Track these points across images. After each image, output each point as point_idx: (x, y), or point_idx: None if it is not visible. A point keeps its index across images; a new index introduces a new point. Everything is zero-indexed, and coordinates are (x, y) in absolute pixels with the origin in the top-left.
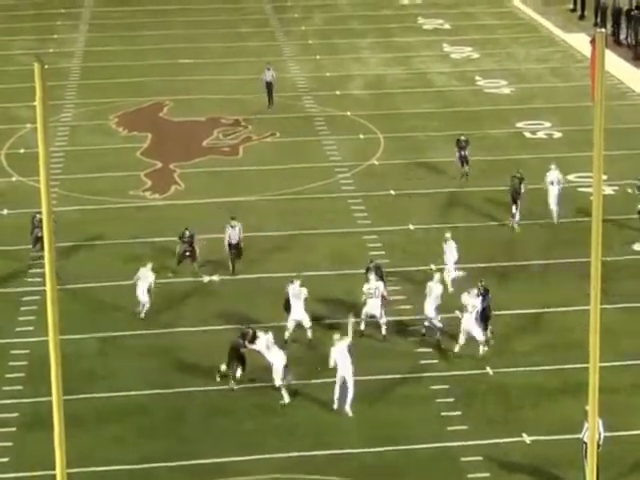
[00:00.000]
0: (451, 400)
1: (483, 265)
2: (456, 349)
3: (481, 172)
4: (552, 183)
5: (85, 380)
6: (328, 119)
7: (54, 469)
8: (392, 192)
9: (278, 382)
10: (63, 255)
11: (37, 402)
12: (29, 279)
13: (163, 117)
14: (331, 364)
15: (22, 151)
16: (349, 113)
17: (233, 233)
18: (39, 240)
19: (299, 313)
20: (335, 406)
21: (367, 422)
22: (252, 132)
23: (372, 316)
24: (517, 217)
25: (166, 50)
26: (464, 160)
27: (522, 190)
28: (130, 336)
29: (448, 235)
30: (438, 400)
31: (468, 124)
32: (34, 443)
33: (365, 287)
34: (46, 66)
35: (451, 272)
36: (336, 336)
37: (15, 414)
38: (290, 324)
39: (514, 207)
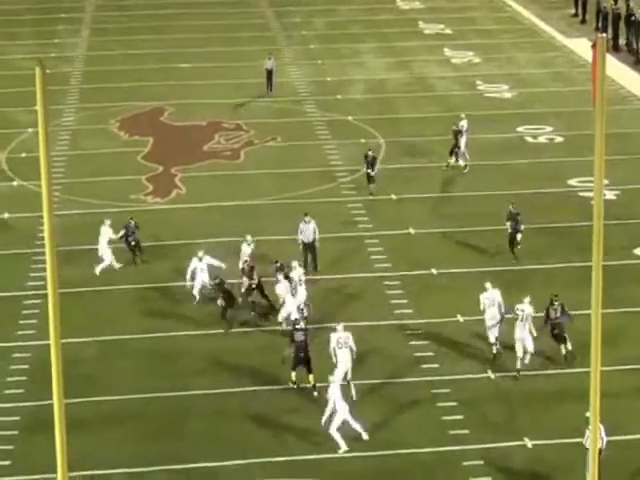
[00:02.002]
0: (452, 404)
1: (485, 269)
2: (518, 365)
3: (482, 177)
4: (461, 133)
5: (86, 383)
6: (329, 123)
7: (55, 472)
8: (393, 197)
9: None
10: (63, 259)
11: (38, 405)
12: (30, 282)
13: (164, 121)
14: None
15: (23, 155)
16: (350, 118)
17: (306, 229)
18: (134, 246)
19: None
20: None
21: (368, 426)
22: (253, 136)
23: (289, 317)
24: (452, 160)
25: (167, 54)
26: (370, 177)
27: (462, 143)
28: (131, 340)
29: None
30: (439, 404)
31: (469, 128)
32: (35, 446)
33: (279, 288)
34: (47, 70)
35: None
36: (331, 377)
37: (16, 417)
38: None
39: (452, 159)
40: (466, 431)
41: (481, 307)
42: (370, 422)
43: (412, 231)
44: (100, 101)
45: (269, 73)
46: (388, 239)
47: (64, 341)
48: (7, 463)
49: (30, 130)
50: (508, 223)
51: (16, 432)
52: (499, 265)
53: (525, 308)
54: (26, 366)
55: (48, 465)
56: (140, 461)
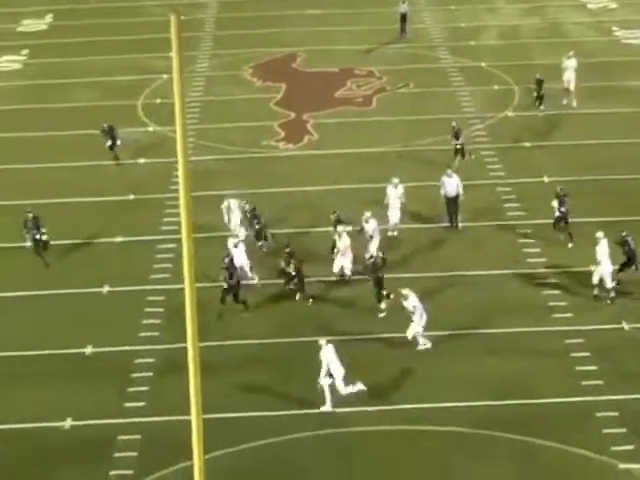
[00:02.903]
0: (586, 354)
1: (619, 219)
2: None
3: (617, 125)
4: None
5: (217, 328)
6: (462, 70)
7: (189, 414)
8: (527, 144)
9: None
10: (196, 205)
11: (172, 348)
12: (165, 227)
13: (296, 68)
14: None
15: (158, 101)
16: (483, 64)
17: (448, 183)
18: (260, 232)
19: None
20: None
21: (499, 375)
22: (386, 83)
23: (343, 274)
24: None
25: (299, 1)
26: (457, 150)
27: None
28: (261, 285)
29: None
30: (573, 354)
31: (605, 75)
32: (169, 388)
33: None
34: (182, 17)
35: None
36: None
37: (151, 359)
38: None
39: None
40: (600, 382)
41: (598, 257)
42: (501, 371)
43: (546, 179)
44: (233, 47)
45: (403, 17)
46: (521, 187)
47: (197, 285)
48: (142, 404)
49: (165, 76)
50: (554, 203)
51: (151, 374)
52: (634, 214)
53: None
54: (161, 309)
55: (182, 407)
56: (271, 405)
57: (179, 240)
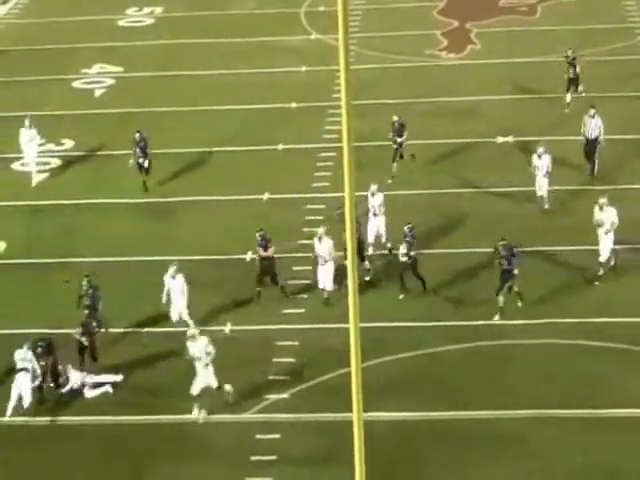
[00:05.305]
0: None
1: None
2: None
3: None
4: None
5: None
6: None
7: (346, 322)
8: None
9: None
10: (357, 114)
11: None
12: (325, 135)
13: None
14: None
15: (321, 9)
16: None
17: (588, 123)
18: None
19: None
20: None
21: None
22: None
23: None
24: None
25: None
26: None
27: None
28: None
29: None
30: None
31: None
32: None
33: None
34: None
35: None
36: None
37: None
38: None
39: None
40: None
41: None
42: None
43: None
44: None
45: None
46: None
47: (358, 194)
48: (300, 311)
49: None
50: None
51: (309, 281)
52: None
53: None
54: (320, 217)
55: (340, 315)
56: (429, 316)
57: (340, 149)
